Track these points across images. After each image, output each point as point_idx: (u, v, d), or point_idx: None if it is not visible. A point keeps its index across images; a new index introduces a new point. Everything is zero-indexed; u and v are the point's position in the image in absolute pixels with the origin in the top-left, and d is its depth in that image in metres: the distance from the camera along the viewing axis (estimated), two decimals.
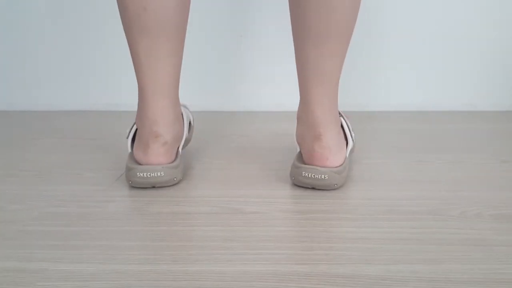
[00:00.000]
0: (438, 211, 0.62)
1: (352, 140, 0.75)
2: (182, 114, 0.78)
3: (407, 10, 1.17)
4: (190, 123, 0.86)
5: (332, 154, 0.69)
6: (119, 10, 0.68)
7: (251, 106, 1.23)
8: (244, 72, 1.22)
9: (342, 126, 0.74)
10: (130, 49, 0.69)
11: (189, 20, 0.79)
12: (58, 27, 1.22)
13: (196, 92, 1.22)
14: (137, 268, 0.49)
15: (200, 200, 0.66)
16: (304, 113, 0.70)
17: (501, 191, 0.68)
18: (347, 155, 0.73)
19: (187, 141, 0.84)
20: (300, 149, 0.74)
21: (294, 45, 0.69)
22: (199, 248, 0.53)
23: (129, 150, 0.75)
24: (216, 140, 0.96)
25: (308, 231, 0.57)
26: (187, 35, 0.81)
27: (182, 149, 0.80)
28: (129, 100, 1.19)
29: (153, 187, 0.70)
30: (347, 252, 0.52)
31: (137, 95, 0.76)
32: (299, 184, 0.69)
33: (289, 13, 0.69)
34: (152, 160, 0.70)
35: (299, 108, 0.72)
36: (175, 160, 0.72)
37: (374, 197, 0.66)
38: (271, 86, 1.22)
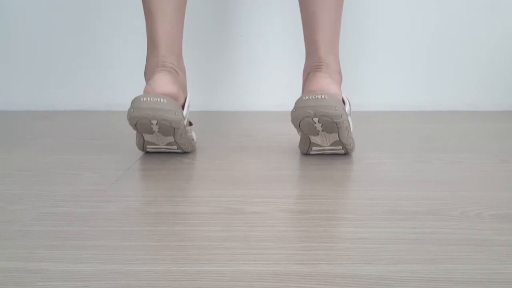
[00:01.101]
0: (438, 211, 0.62)
1: (349, 104, 0.79)
2: (186, 86, 0.83)
3: (408, 10, 1.17)
4: (190, 123, 0.86)
5: (331, 79, 0.75)
6: None
7: (251, 106, 1.23)
8: (244, 72, 1.22)
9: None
10: (143, 4, 0.80)
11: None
12: (58, 27, 1.22)
13: (196, 92, 1.22)
14: (137, 268, 0.49)
15: (200, 200, 0.66)
16: (309, 59, 0.80)
17: (501, 191, 0.68)
18: (346, 109, 0.74)
19: (190, 147, 0.84)
20: (302, 91, 0.79)
21: (300, 5, 0.82)
22: (199, 248, 0.53)
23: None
24: (216, 140, 0.96)
25: (308, 231, 0.57)
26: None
27: (185, 152, 0.81)
28: (129, 100, 1.19)
29: (153, 118, 0.70)
30: (347, 252, 0.52)
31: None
32: (301, 111, 0.69)
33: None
34: (158, 83, 0.73)
35: (305, 62, 0.82)
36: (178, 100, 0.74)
37: (374, 197, 0.66)
38: (271, 86, 1.22)
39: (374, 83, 1.21)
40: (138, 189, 0.70)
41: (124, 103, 1.22)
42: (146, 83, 0.77)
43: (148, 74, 0.78)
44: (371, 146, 0.90)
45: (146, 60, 0.80)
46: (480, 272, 0.48)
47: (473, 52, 1.18)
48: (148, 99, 0.69)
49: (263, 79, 1.22)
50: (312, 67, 0.79)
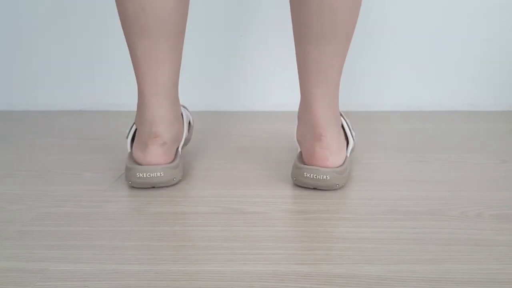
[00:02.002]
0: (438, 211, 0.62)
1: (353, 139, 0.75)
2: (182, 114, 0.78)
3: (408, 10, 1.17)
4: (189, 123, 0.86)
5: (332, 154, 0.69)
6: (118, 11, 0.68)
7: (251, 106, 1.23)
8: (244, 72, 1.22)
9: (342, 126, 0.74)
10: (130, 50, 0.69)
11: (188, 20, 0.79)
12: (58, 27, 1.22)
13: (196, 92, 1.22)
14: (137, 268, 0.49)
15: (200, 200, 0.66)
16: (305, 113, 0.70)
17: (501, 191, 0.68)
18: (348, 155, 0.73)
19: (187, 141, 0.84)
20: (300, 148, 0.74)
21: (295, 45, 0.69)
22: (199, 248, 0.53)
23: (129, 149, 0.75)
24: (216, 140, 0.96)
25: (308, 231, 0.57)
26: (187, 35, 0.81)
27: (182, 148, 0.80)
28: (129, 100, 1.19)
29: (153, 187, 0.70)
30: (347, 252, 0.52)
31: (137, 95, 0.76)
32: (301, 184, 0.69)
33: (289, 13, 0.69)
34: (151, 160, 0.70)
35: (299, 107, 0.72)
36: (174, 160, 0.72)
37: (374, 197, 0.66)
38: (271, 86, 1.22)
39: (374, 83, 1.21)
40: (138, 189, 0.70)
41: (124, 103, 1.22)
42: (137, 142, 0.71)
43: (139, 131, 0.71)
44: (371, 146, 0.90)
45: (137, 105, 0.72)
46: (480, 272, 0.48)
47: (473, 52, 1.18)
48: (144, 175, 0.69)
49: (263, 79, 1.22)
50: (309, 129, 0.69)
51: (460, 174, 0.75)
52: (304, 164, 0.70)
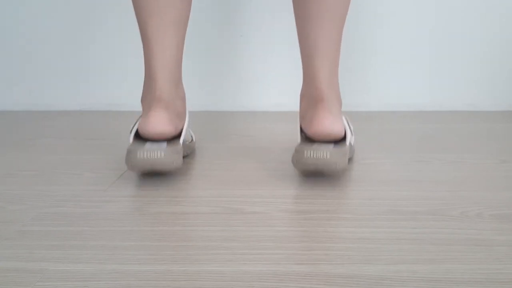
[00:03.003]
0: (438, 211, 0.62)
1: (351, 132, 0.76)
2: (185, 112, 0.80)
3: (408, 10, 1.17)
4: (192, 137, 0.86)
5: (332, 116, 0.71)
6: None
7: (251, 106, 1.23)
8: (244, 72, 1.22)
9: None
10: (140, 30, 0.76)
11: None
12: (58, 27, 1.22)
13: (196, 92, 1.22)
14: (137, 268, 0.49)
15: (200, 200, 0.66)
16: (307, 87, 0.76)
17: (501, 191, 0.68)
18: (347, 144, 0.73)
19: (189, 150, 0.84)
20: (302, 125, 0.76)
21: (296, 24, 0.77)
22: (199, 248, 0.53)
23: (131, 142, 0.75)
24: (216, 140, 0.96)
25: (308, 231, 0.57)
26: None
27: (184, 157, 0.81)
28: (129, 100, 1.19)
29: (152, 171, 0.70)
30: (347, 252, 0.52)
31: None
32: (302, 167, 0.69)
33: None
34: (153, 120, 0.71)
35: (302, 87, 0.78)
36: (175, 141, 0.73)
37: (374, 197, 0.66)
38: (271, 86, 1.22)
39: (374, 83, 1.21)
40: (138, 189, 0.70)
41: (124, 103, 1.22)
42: (143, 116, 0.74)
43: (145, 106, 0.76)
44: (371, 146, 0.90)
45: (143, 87, 0.78)
46: (480, 272, 0.48)
47: (473, 52, 1.18)
48: (144, 154, 0.68)
49: (263, 79, 1.22)
50: (312, 99, 0.74)
51: (460, 174, 0.75)
52: (305, 139, 0.71)
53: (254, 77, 1.22)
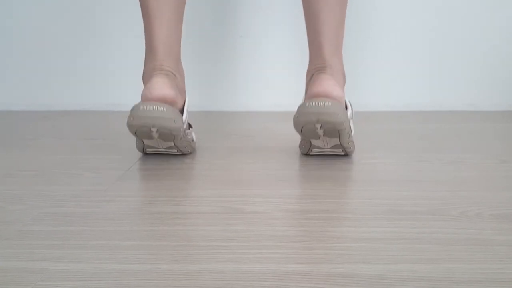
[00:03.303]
0: (438, 211, 0.62)
1: (351, 108, 0.79)
2: (185, 90, 0.83)
3: (408, 10, 1.17)
4: (193, 139, 0.87)
5: (334, 79, 0.74)
6: None
7: (251, 106, 1.23)
8: (244, 72, 1.22)
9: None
10: (142, 8, 0.79)
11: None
12: (58, 27, 1.22)
13: (196, 92, 1.22)
14: (137, 267, 0.49)
15: (200, 200, 0.66)
16: (313, 61, 0.80)
17: (501, 191, 0.68)
18: (348, 113, 0.74)
19: (190, 148, 0.85)
20: (305, 93, 0.78)
21: (303, 5, 0.82)
22: (199, 248, 0.53)
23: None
24: (216, 140, 0.96)
25: (308, 230, 0.57)
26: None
27: (184, 154, 0.81)
28: (129, 100, 1.19)
29: (153, 126, 0.70)
30: (347, 251, 0.52)
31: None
32: (303, 117, 0.69)
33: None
34: (155, 86, 0.73)
35: (309, 63, 0.81)
36: (177, 104, 0.74)
37: (374, 197, 0.66)
38: (271, 86, 1.22)
39: (374, 83, 1.21)
40: (138, 189, 0.70)
41: (124, 103, 1.22)
42: (144, 86, 0.76)
43: (146, 77, 0.78)
44: (371, 146, 0.90)
45: (144, 63, 0.80)
46: (480, 271, 0.48)
47: (473, 52, 1.18)
48: (147, 107, 0.69)
49: (263, 79, 1.22)
50: (316, 68, 0.78)
51: (460, 174, 0.75)
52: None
53: (254, 77, 1.22)
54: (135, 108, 0.71)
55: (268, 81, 1.22)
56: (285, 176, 0.75)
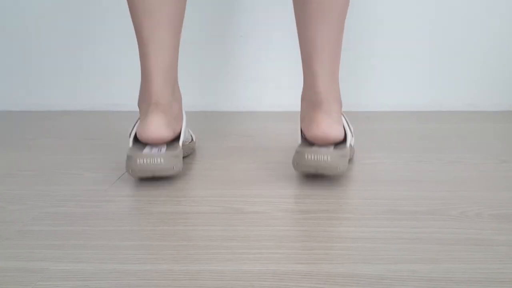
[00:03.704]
0: (438, 211, 0.62)
1: (351, 133, 0.76)
2: (182, 114, 0.79)
3: (408, 10, 1.17)
4: (192, 138, 0.86)
5: (332, 119, 0.71)
6: None
7: (251, 106, 1.23)
8: (244, 72, 1.22)
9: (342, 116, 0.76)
10: (136, 31, 0.76)
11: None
12: (58, 27, 1.22)
13: (196, 92, 1.22)
14: (137, 267, 0.49)
15: (200, 200, 0.66)
16: (307, 90, 0.75)
17: (501, 191, 0.68)
18: (347, 146, 0.73)
19: (190, 150, 0.85)
20: (302, 127, 0.75)
21: (296, 24, 0.76)
22: (199, 248, 0.53)
23: (130, 146, 0.75)
24: (216, 140, 0.96)
25: (308, 230, 0.57)
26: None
27: (184, 157, 0.81)
28: (129, 100, 1.19)
29: (153, 176, 0.70)
30: (347, 251, 0.52)
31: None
32: (302, 169, 0.69)
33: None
34: (151, 126, 0.71)
35: (303, 89, 0.77)
36: (174, 146, 0.73)
37: (374, 197, 0.66)
38: (271, 86, 1.22)
39: (374, 83, 1.21)
40: (138, 189, 0.70)
41: (124, 103, 1.22)
42: (140, 121, 0.74)
43: (142, 111, 0.75)
44: (371, 146, 0.90)
45: (140, 89, 0.77)
46: (479, 271, 0.48)
47: (473, 52, 1.18)
48: (144, 161, 0.68)
49: (263, 79, 1.22)
50: (312, 103, 0.74)
51: (460, 174, 0.75)
52: (305, 140, 0.71)
53: (254, 77, 1.22)
54: (131, 162, 0.69)
55: (268, 81, 1.22)
56: (285, 176, 0.75)
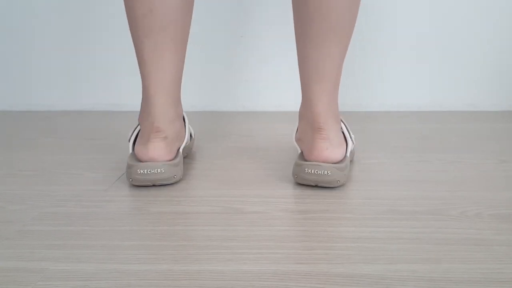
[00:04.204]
0: (438, 211, 0.62)
1: (352, 141, 0.75)
2: (184, 118, 0.79)
3: (408, 10, 1.17)
4: (191, 134, 0.86)
5: (332, 145, 0.70)
6: (126, 10, 0.70)
7: (251, 106, 1.23)
8: (244, 72, 1.22)
9: (341, 129, 0.75)
10: (136, 50, 0.71)
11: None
12: (58, 27, 1.22)
13: (196, 92, 1.22)
14: (137, 267, 0.49)
15: (200, 200, 0.66)
16: (306, 110, 0.72)
17: (501, 191, 0.68)
18: (348, 155, 0.73)
19: (188, 149, 0.84)
20: (300, 146, 0.74)
21: (296, 43, 0.71)
22: (199, 248, 0.53)
23: (130, 151, 0.75)
24: (216, 140, 0.96)
25: (308, 230, 0.57)
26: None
27: (184, 157, 0.81)
28: (129, 100, 1.19)
29: (153, 185, 0.70)
30: (347, 251, 0.52)
31: (138, 96, 0.76)
32: (302, 181, 0.69)
33: (289, 13, 0.70)
34: (152, 154, 0.70)
35: (301, 105, 0.74)
36: (175, 158, 0.72)
37: (374, 197, 0.67)
38: (271, 87, 1.22)
39: (374, 83, 1.21)
40: (138, 189, 0.70)
41: (124, 104, 1.22)
42: (141, 141, 0.72)
43: (143, 129, 0.73)
44: (371, 146, 0.90)
45: (141, 106, 0.74)
46: (479, 271, 0.48)
47: (474, 52, 1.18)
48: (144, 171, 0.68)
49: (263, 80, 1.22)
50: (309, 124, 0.71)
51: (460, 174, 0.75)
52: (305, 161, 0.70)
53: (254, 77, 1.22)
54: (132, 171, 0.69)
55: (268, 81, 1.22)
56: (285, 176, 0.75)
